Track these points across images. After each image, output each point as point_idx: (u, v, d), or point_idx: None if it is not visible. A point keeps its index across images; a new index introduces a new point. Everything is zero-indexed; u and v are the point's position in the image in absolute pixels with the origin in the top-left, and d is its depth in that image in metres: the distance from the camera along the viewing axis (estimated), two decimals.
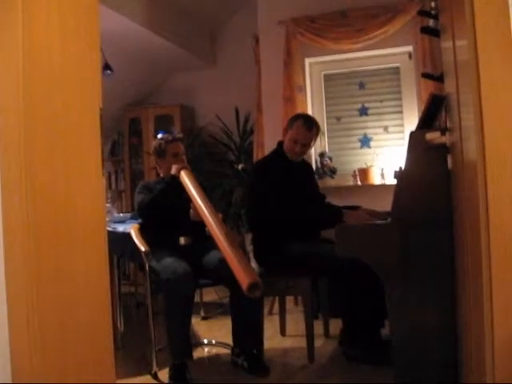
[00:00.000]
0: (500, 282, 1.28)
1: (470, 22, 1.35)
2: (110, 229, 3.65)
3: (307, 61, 5.13)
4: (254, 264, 3.53)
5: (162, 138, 3.57)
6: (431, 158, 2.41)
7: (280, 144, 3.60)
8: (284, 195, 3.36)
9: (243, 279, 2.65)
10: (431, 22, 2.92)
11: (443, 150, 2.33)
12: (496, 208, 1.28)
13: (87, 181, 1.76)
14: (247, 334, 3.20)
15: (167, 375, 3.01)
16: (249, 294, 2.64)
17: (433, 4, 3.01)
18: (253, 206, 3.59)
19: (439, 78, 2.84)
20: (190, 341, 3.14)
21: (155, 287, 3.21)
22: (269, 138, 4.99)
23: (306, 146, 3.52)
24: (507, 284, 1.28)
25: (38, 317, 1.54)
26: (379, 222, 2.84)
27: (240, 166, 5.68)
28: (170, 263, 3.08)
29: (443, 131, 2.32)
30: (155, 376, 3.06)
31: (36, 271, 1.54)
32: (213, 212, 3.06)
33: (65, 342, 1.64)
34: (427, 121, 2.62)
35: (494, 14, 1.33)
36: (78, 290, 1.70)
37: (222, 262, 2.97)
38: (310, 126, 3.48)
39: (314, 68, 5.20)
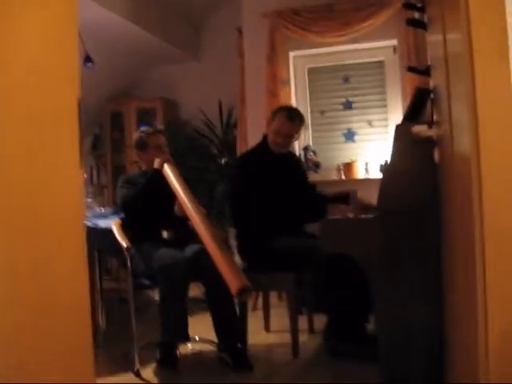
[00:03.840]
0: (495, 277, 1.25)
1: (464, 15, 1.32)
2: (91, 224, 3.60)
3: (291, 54, 5.10)
4: (237, 259, 3.49)
5: (142, 131, 3.53)
6: (417, 152, 2.38)
7: (265, 137, 3.56)
8: (266, 189, 3.32)
9: (233, 283, 2.63)
10: (416, 15, 2.90)
11: (430, 143, 2.30)
12: (491, 201, 1.25)
13: (64, 172, 1.71)
14: (228, 328, 3.18)
15: (152, 371, 3.01)
16: (238, 298, 2.62)
17: None
18: (236, 201, 3.55)
19: (425, 72, 2.81)
20: (186, 323, 3.15)
21: (140, 281, 3.18)
22: (252, 132, 4.96)
23: (289, 137, 3.49)
24: (502, 279, 1.25)
25: (11, 311, 1.49)
26: (364, 216, 2.81)
27: (223, 160, 5.63)
28: (165, 251, 3.12)
29: (430, 124, 2.30)
30: (138, 374, 3.01)
31: (10, 265, 1.49)
32: (198, 208, 3.03)
33: (40, 339, 1.59)
34: (413, 114, 2.59)
35: (489, 7, 1.30)
36: (54, 284, 1.65)
37: (196, 256, 3.07)
38: (292, 117, 3.45)
39: (298, 61, 5.17)
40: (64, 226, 1.71)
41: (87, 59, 4.61)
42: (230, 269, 2.70)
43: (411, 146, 2.38)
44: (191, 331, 3.39)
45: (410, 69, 3.60)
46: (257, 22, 4.99)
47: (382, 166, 2.75)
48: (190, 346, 3.46)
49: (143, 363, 3.08)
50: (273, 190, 3.35)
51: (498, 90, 1.27)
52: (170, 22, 5.69)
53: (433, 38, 2.30)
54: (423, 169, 2.35)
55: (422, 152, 2.36)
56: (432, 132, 2.24)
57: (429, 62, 2.70)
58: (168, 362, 3.04)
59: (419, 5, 2.83)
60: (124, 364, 3.15)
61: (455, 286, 1.82)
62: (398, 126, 2.52)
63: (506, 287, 1.26)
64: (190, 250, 3.24)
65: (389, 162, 2.50)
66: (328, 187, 4.66)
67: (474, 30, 1.28)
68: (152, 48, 5.69)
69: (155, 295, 3.17)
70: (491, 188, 1.25)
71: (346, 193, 3.53)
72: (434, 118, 2.39)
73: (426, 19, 2.66)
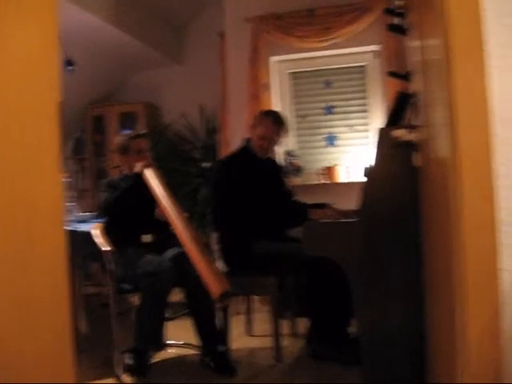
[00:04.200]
0: (472, 282, 1.27)
1: (442, 21, 1.34)
2: (72, 228, 3.57)
3: (273, 59, 5.11)
4: (219, 263, 3.49)
5: (124, 135, 3.54)
6: (398, 155, 2.40)
7: (246, 141, 3.57)
8: (250, 193, 3.33)
9: (214, 288, 2.62)
10: (397, 21, 2.93)
11: (410, 146, 2.32)
12: (468, 206, 1.27)
13: (45, 176, 1.70)
14: (210, 332, 3.18)
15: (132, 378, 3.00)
16: (219, 302, 2.62)
17: (397, 3, 3.01)
18: (218, 205, 3.54)
19: (405, 77, 2.84)
20: (162, 331, 3.15)
21: (121, 286, 3.17)
22: (234, 136, 4.96)
23: (274, 141, 3.52)
24: (479, 284, 1.27)
25: None
26: (346, 219, 2.83)
27: (205, 165, 5.62)
28: (150, 258, 3.11)
29: (410, 128, 2.32)
30: (119, 379, 2.99)
31: None
32: (179, 213, 3.02)
33: (21, 343, 1.57)
34: (394, 118, 2.62)
35: (466, 13, 1.32)
36: (34, 289, 1.64)
37: (175, 261, 3.08)
38: (278, 121, 3.49)
39: (280, 66, 5.18)
40: (45, 231, 1.70)
41: (68, 63, 4.59)
42: (210, 273, 2.69)
43: (392, 149, 2.41)
44: (174, 336, 3.39)
45: (391, 74, 3.64)
46: (239, 27, 5.00)
47: (366, 169, 2.75)
48: (172, 350, 3.45)
49: (125, 368, 3.07)
50: (256, 193, 3.35)
51: (475, 95, 1.29)
52: (152, 25, 5.69)
53: (413, 43, 2.33)
54: (403, 172, 2.37)
55: (403, 155, 2.38)
56: (412, 136, 2.26)
57: (409, 67, 2.73)
58: (139, 369, 3.02)
59: (400, 11, 2.86)
60: (105, 369, 3.14)
61: (435, 288, 1.84)
62: (381, 129, 2.54)
63: (484, 290, 1.27)
64: (170, 254, 3.23)
65: (372, 164, 2.53)
66: (310, 191, 4.69)
67: (451, 36, 1.30)
68: (134, 52, 5.67)
69: (137, 300, 3.16)
70: (469, 190, 1.27)
71: (322, 203, 3.56)
72: (415, 122, 2.42)
73: (406, 25, 2.68)
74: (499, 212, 1.28)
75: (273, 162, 3.87)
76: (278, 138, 3.52)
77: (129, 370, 3.03)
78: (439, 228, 1.61)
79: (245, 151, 3.55)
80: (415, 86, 2.34)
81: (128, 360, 3.05)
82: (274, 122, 3.46)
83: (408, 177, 2.35)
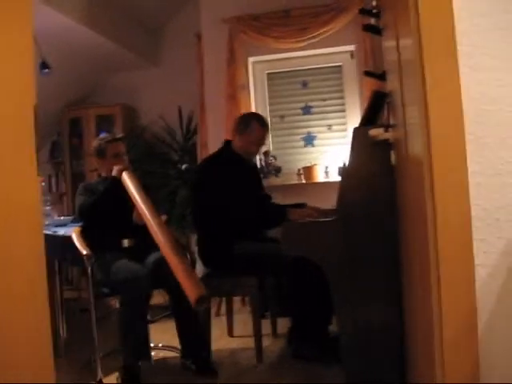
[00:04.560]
0: (448, 279, 1.28)
1: (415, 21, 1.35)
2: (50, 232, 3.54)
3: (250, 59, 5.12)
4: (199, 265, 3.49)
5: (101, 138, 3.50)
6: (375, 154, 2.42)
7: (227, 143, 3.56)
8: (230, 195, 3.33)
9: (191, 293, 2.61)
10: (373, 21, 2.95)
11: (386, 146, 2.34)
12: (442, 203, 1.29)
13: (21, 181, 1.68)
14: (193, 336, 3.18)
15: (115, 380, 2.98)
16: (196, 307, 2.61)
17: (374, 3, 3.04)
18: (199, 206, 3.54)
19: (381, 76, 2.86)
20: (147, 341, 3.15)
21: (101, 290, 3.15)
22: (212, 138, 4.95)
23: (263, 145, 3.61)
24: (455, 280, 1.28)
25: None
26: (324, 219, 2.83)
27: (183, 166, 5.61)
28: (126, 263, 3.09)
29: (386, 127, 2.33)
30: (100, 383, 2.97)
31: None
32: (156, 217, 2.99)
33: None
34: (370, 117, 2.63)
35: (438, 13, 1.34)
36: (12, 294, 1.62)
37: (157, 265, 3.06)
38: (264, 124, 3.56)
39: (257, 67, 5.19)
40: (22, 235, 1.68)
41: (43, 65, 4.54)
42: (187, 278, 2.67)
43: (368, 148, 2.42)
44: (155, 338, 3.37)
45: (367, 73, 3.66)
46: (216, 28, 5.00)
47: (340, 168, 2.77)
48: (153, 353, 3.43)
49: (105, 372, 3.05)
50: (236, 195, 3.35)
51: (447, 95, 1.30)
52: (126, 27, 5.65)
53: (387, 43, 2.35)
54: (380, 171, 2.39)
55: (380, 154, 2.39)
56: (388, 135, 2.28)
57: (385, 67, 2.74)
58: (132, 381, 2.99)
59: (375, 11, 2.88)
60: (87, 373, 3.11)
61: (412, 286, 1.86)
62: (356, 129, 2.55)
63: (460, 287, 1.29)
64: (152, 258, 3.21)
65: (347, 164, 2.54)
66: (289, 191, 4.71)
67: (423, 35, 1.32)
68: (109, 54, 5.63)
69: (116, 303, 3.14)
70: (443, 188, 1.29)
71: (301, 203, 3.57)
72: (391, 121, 2.44)
73: (381, 25, 2.70)
74: (473, 209, 1.29)
75: (252, 164, 3.88)
76: (265, 140, 3.58)
77: None
78: (415, 226, 1.63)
79: (226, 153, 3.54)
80: (391, 85, 2.36)
81: (120, 377, 3.01)
82: (262, 125, 3.51)
83: (385, 176, 2.36)
